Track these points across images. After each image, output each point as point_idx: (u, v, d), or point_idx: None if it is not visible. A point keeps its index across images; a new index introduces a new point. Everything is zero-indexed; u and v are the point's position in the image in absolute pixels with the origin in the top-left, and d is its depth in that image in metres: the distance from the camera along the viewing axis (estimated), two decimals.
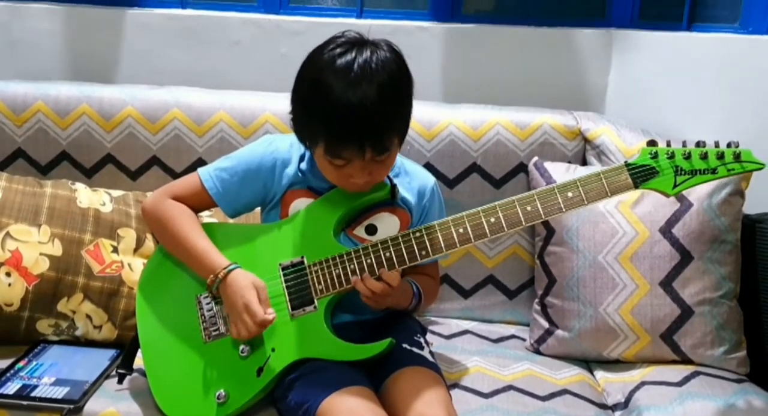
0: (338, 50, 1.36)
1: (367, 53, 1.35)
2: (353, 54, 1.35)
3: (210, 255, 1.47)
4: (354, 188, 1.45)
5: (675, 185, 1.39)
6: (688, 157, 1.39)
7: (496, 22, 2.20)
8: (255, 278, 1.44)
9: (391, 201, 1.52)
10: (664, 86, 2.12)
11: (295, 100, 1.42)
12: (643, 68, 2.14)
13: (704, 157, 1.39)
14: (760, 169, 1.40)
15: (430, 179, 1.61)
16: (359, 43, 1.38)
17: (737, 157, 1.39)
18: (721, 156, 1.39)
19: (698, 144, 1.40)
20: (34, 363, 1.61)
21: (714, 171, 1.39)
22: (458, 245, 1.43)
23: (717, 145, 1.40)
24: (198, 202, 1.53)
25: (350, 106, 1.32)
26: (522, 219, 1.42)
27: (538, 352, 1.81)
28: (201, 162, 1.95)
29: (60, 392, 1.51)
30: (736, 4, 2.14)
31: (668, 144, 1.42)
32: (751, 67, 2.04)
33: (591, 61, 2.17)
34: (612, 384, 1.70)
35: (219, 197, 1.52)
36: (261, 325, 1.40)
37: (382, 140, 1.36)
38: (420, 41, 2.16)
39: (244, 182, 1.52)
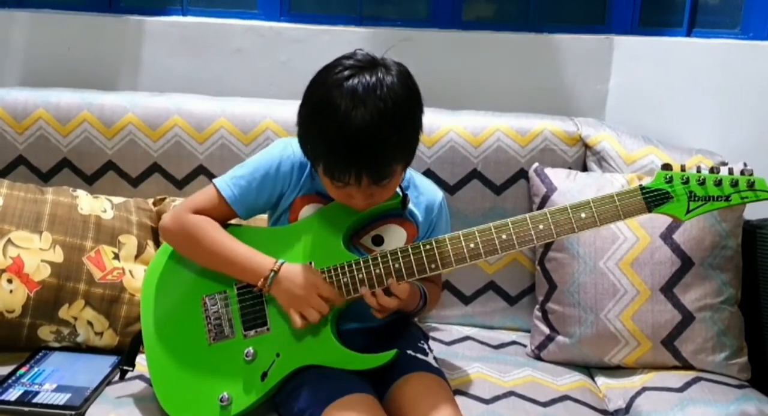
0: (346, 73, 1.33)
1: (374, 78, 1.32)
2: (360, 78, 1.32)
3: (256, 257, 1.46)
4: (355, 208, 1.45)
5: (688, 211, 1.39)
6: (702, 183, 1.39)
7: (496, 28, 2.21)
8: (305, 264, 1.45)
9: (401, 211, 1.52)
10: (665, 92, 2.13)
11: (300, 116, 1.40)
12: (643, 74, 2.15)
13: (718, 184, 1.39)
14: None
15: (438, 195, 1.61)
16: (368, 66, 1.35)
17: (751, 185, 1.38)
18: (735, 184, 1.38)
19: (712, 170, 1.40)
20: (36, 369, 1.61)
21: (727, 198, 1.38)
22: (468, 260, 1.43)
23: (731, 172, 1.40)
24: (218, 214, 1.51)
25: (350, 134, 1.30)
26: (534, 237, 1.42)
27: (539, 358, 1.81)
28: (202, 169, 1.95)
29: (61, 398, 1.51)
30: (736, 10, 2.15)
31: (683, 169, 1.41)
32: (751, 73, 2.05)
33: (591, 68, 2.17)
34: (613, 390, 1.69)
35: (237, 204, 1.50)
36: (333, 300, 1.42)
37: (380, 169, 1.34)
38: (420, 48, 2.16)
39: (262, 186, 1.50)
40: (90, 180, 1.97)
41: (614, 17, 2.21)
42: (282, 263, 1.44)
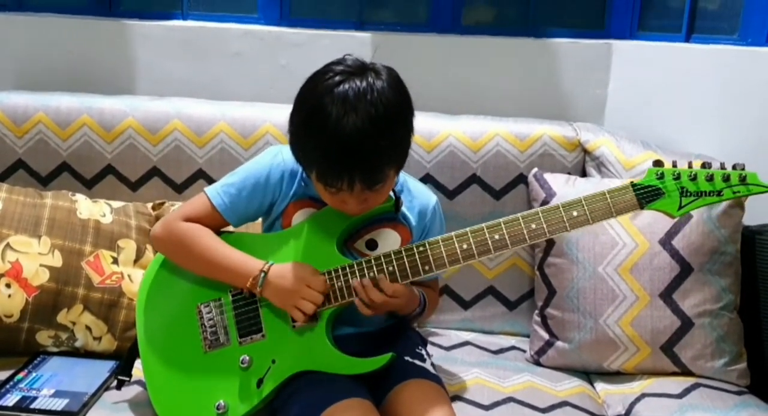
0: (336, 78, 1.33)
1: (364, 83, 1.32)
2: (350, 84, 1.31)
3: (248, 261, 1.46)
4: (349, 213, 1.45)
5: (680, 207, 1.39)
6: (693, 178, 1.39)
7: (496, 33, 2.21)
8: (296, 262, 1.45)
9: (395, 215, 1.52)
10: (664, 97, 2.13)
11: (292, 124, 1.40)
12: (642, 79, 2.15)
13: (710, 179, 1.39)
14: (766, 192, 1.39)
15: (432, 199, 1.61)
16: (358, 71, 1.34)
17: (743, 179, 1.39)
18: (726, 178, 1.39)
19: (704, 165, 1.40)
20: (34, 374, 1.61)
21: (719, 193, 1.39)
22: (461, 261, 1.43)
23: (723, 166, 1.40)
24: (209, 222, 1.51)
25: (343, 140, 1.30)
26: (526, 237, 1.42)
27: (538, 364, 1.80)
28: (201, 173, 1.95)
29: (59, 403, 1.51)
30: (734, 16, 2.15)
31: (674, 165, 1.41)
32: (749, 79, 2.05)
33: (590, 73, 2.17)
34: (612, 395, 1.69)
35: (228, 212, 1.50)
36: (324, 290, 1.42)
37: (372, 174, 1.34)
38: (420, 53, 2.16)
39: (253, 195, 1.51)
40: (89, 184, 1.97)
41: (613, 22, 2.21)
42: (271, 265, 1.44)
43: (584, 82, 2.18)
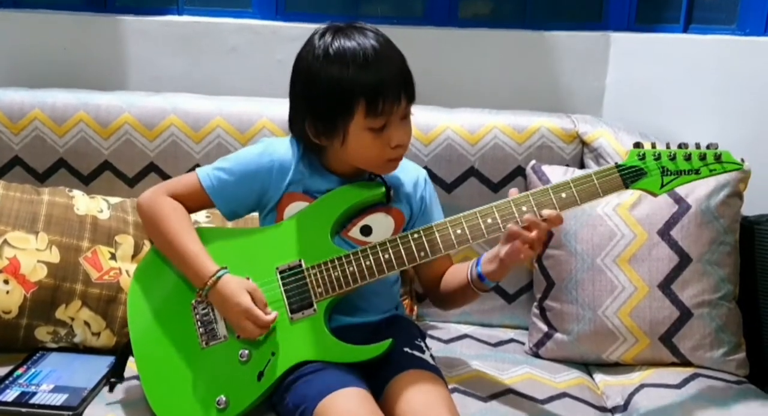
0: (328, 31, 1.44)
1: (356, 25, 1.44)
2: (343, 29, 1.43)
3: (199, 260, 1.46)
4: (392, 164, 1.48)
5: (662, 185, 1.43)
6: (673, 158, 1.43)
7: (493, 26, 2.21)
8: (245, 281, 1.44)
9: (386, 203, 1.53)
10: (662, 89, 2.13)
11: (308, 94, 1.44)
12: (640, 71, 2.14)
13: (688, 158, 1.43)
14: (738, 169, 1.45)
15: (421, 170, 1.63)
16: (343, 25, 1.46)
17: (718, 158, 1.43)
18: (703, 157, 1.43)
19: (680, 146, 1.45)
20: (33, 370, 1.61)
21: (697, 172, 1.43)
22: (456, 246, 1.44)
23: (698, 146, 1.45)
24: (195, 201, 1.53)
25: (374, 57, 1.39)
26: (518, 219, 1.42)
27: (537, 356, 1.80)
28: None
29: (59, 399, 1.51)
30: (732, 6, 2.14)
31: (653, 146, 1.45)
32: (748, 69, 2.04)
33: (588, 65, 2.17)
34: (611, 387, 1.69)
35: (215, 195, 1.51)
36: (265, 327, 1.42)
37: (411, 81, 1.44)
38: (417, 46, 2.14)
39: (241, 182, 1.51)
40: (86, 180, 1.97)
41: (611, 14, 2.21)
42: (221, 276, 1.44)
43: (582, 74, 2.18)
